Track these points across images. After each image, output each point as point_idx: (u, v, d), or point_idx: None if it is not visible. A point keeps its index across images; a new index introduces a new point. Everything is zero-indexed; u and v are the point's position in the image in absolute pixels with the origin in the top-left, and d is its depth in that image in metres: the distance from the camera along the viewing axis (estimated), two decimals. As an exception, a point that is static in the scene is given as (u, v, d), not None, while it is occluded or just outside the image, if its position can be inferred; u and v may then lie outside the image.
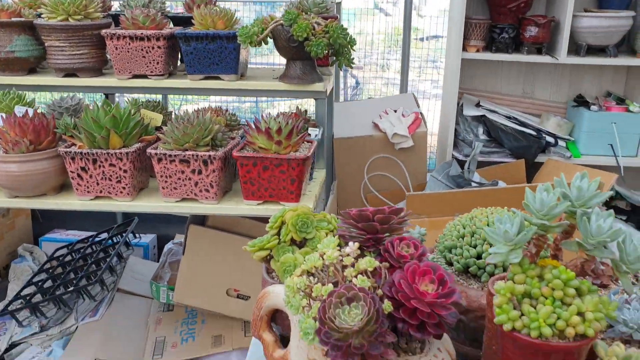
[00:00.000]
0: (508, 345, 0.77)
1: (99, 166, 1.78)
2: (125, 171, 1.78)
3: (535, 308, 0.75)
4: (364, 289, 0.77)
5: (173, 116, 1.83)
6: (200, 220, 2.27)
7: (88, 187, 1.82)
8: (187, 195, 1.81)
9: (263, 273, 1.11)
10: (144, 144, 1.85)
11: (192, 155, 1.73)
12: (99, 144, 1.77)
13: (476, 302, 1.01)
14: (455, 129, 2.79)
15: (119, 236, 2.83)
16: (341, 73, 4.73)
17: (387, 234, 0.92)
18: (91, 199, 1.85)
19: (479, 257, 1.05)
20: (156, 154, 1.75)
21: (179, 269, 2.38)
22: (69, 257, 2.79)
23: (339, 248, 0.88)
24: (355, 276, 0.81)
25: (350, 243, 0.87)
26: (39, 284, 2.55)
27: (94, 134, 1.75)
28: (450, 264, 1.10)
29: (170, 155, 1.74)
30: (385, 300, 0.79)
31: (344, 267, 0.85)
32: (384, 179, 2.56)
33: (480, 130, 2.74)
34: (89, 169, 1.79)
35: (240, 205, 1.81)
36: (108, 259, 2.58)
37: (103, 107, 1.79)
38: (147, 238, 3.09)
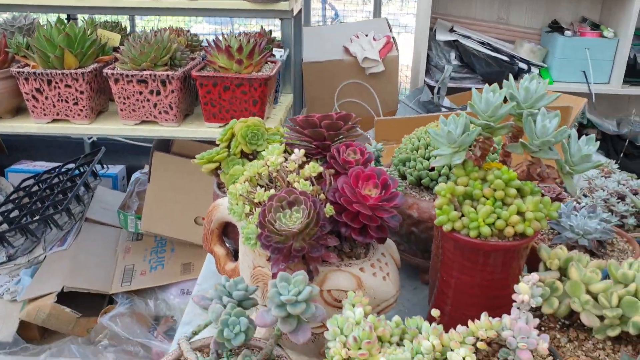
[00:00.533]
0: (449, 247, 0.76)
1: (54, 87, 1.72)
2: (81, 92, 1.72)
3: (476, 209, 0.74)
4: (305, 193, 0.76)
5: (131, 35, 1.76)
6: (165, 146, 2.23)
7: (44, 110, 1.76)
8: (147, 117, 1.76)
9: (214, 187, 1.09)
10: (101, 64, 1.79)
11: (150, 75, 1.67)
12: (53, 64, 1.70)
13: (427, 213, 1.00)
14: (428, 55, 2.74)
15: (86, 166, 2.79)
16: (319, 4, 4.59)
17: (337, 141, 0.90)
18: (48, 122, 1.79)
19: (432, 169, 1.04)
20: (113, 74, 1.69)
21: (145, 197, 2.35)
22: (35, 188, 2.75)
23: (284, 156, 0.85)
24: (299, 182, 0.79)
25: (296, 150, 0.85)
26: (5, 214, 2.51)
27: (47, 54, 1.68)
28: (404, 177, 1.09)
29: (127, 76, 1.68)
30: (327, 204, 0.78)
31: (290, 173, 0.83)
32: (354, 106, 2.52)
33: (453, 55, 2.69)
34: (43, 90, 1.73)
35: (202, 128, 1.77)
36: (74, 188, 2.55)
37: (57, 25, 1.71)
38: (116, 169, 3.05)
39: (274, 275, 0.76)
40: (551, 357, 0.72)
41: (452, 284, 0.78)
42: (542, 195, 0.78)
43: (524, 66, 2.72)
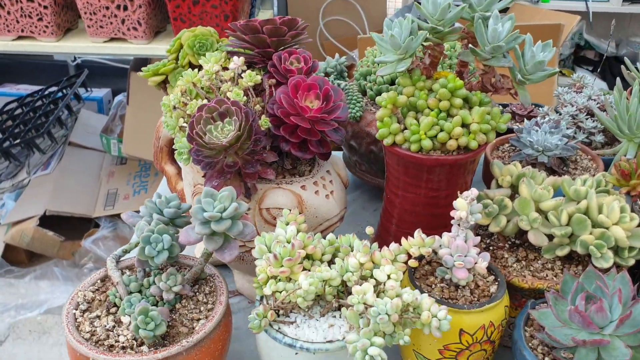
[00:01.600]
0: (392, 162, 0.72)
1: (17, 1, 1.64)
2: (45, 7, 1.64)
3: (419, 121, 0.69)
4: (237, 103, 0.70)
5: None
6: (143, 67, 2.16)
7: (7, 26, 1.69)
8: (115, 34, 1.69)
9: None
10: (65, -22, 1.70)
11: (115, -12, 1.59)
12: (13, -23, 1.61)
13: (387, 130, 0.95)
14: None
15: (69, 89, 2.72)
16: None
17: (282, 49, 0.84)
18: (13, 40, 1.72)
19: (392, 83, 0.98)
20: (76, -13, 1.61)
21: (125, 120, 2.30)
22: (19, 111, 2.70)
23: (222, 64, 0.80)
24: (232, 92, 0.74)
25: (235, 58, 0.79)
26: (-13, 137, 2.47)
27: (6, -34, 1.59)
28: (364, 92, 1.03)
29: (91, -11, 1.60)
30: (263, 117, 0.73)
31: (225, 82, 0.77)
32: (340, 24, 2.42)
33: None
34: (5, 4, 1.64)
35: (173, 45, 1.69)
36: (56, 111, 2.50)
37: None
38: (102, 92, 2.98)
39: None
40: (492, 277, 0.68)
41: (396, 203, 0.74)
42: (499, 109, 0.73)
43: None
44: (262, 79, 0.77)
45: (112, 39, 1.71)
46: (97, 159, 2.55)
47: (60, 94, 2.70)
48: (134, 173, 2.46)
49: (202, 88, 0.78)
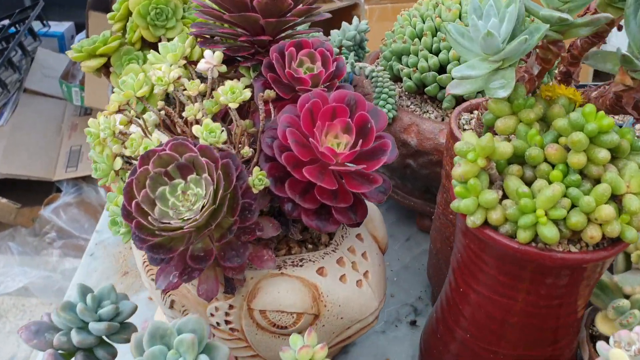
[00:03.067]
0: (473, 247, 0.43)
1: None
2: None
3: (530, 186, 0.39)
4: (209, 150, 0.40)
5: None
6: (104, 5, 1.80)
7: None
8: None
9: (108, 92, 0.72)
10: None
11: None
12: None
13: (432, 140, 0.66)
14: None
15: (23, 24, 2.34)
16: None
17: (283, 36, 0.53)
18: None
19: (442, 69, 0.67)
20: None
21: (87, 66, 1.95)
22: (-36, 50, 2.32)
23: (185, 60, 0.49)
24: (198, 122, 0.43)
25: (208, 53, 0.48)
26: None
27: None
28: (398, 79, 0.72)
29: None
30: (255, 170, 0.42)
31: (191, 102, 0.46)
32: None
33: None
34: None
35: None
36: (6, 52, 2.13)
37: None
38: (62, 27, 2.58)
39: (166, 289, 0.43)
40: None
41: (472, 300, 0.45)
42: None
43: None
44: (252, 92, 0.46)
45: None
46: (58, 109, 2.20)
47: (12, 29, 2.31)
48: (100, 126, 2.14)
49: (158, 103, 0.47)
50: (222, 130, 0.41)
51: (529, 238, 0.38)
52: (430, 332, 0.52)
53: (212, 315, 0.47)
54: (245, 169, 0.41)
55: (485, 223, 0.40)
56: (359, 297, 0.47)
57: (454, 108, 0.66)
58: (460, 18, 0.67)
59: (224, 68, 0.47)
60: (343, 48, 0.78)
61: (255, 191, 0.41)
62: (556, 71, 0.50)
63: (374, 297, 0.48)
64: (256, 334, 0.47)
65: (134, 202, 0.39)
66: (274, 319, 0.45)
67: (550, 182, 0.39)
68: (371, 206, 0.53)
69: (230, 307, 0.46)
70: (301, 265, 0.46)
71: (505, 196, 0.40)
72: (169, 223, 0.39)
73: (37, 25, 2.40)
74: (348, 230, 0.50)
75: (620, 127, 0.47)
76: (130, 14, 0.64)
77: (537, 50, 0.44)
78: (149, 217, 0.39)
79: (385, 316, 0.67)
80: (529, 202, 0.38)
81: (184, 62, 0.48)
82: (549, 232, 0.37)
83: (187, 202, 0.40)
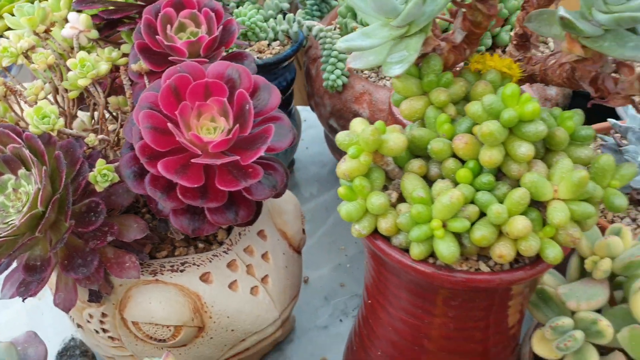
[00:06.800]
0: (373, 260, 0.35)
1: None
2: None
3: (431, 185, 0.31)
4: (34, 140, 0.33)
5: None
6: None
7: None
8: None
9: None
10: None
11: None
12: None
13: (385, 112, 0.57)
14: None
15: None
16: None
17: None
18: None
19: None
20: None
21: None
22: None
23: (47, 27, 0.41)
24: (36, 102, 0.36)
25: (72, 14, 0.40)
26: None
27: None
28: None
29: None
30: (99, 162, 0.35)
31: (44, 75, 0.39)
32: None
33: None
34: None
35: None
36: None
37: None
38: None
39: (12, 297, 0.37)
40: None
41: (384, 321, 0.37)
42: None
43: None
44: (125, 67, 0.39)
45: None
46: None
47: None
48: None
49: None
50: (60, 116, 0.34)
51: (425, 253, 0.30)
52: (348, 345, 0.44)
53: (88, 322, 0.41)
54: (87, 163, 0.33)
55: (376, 234, 0.32)
56: (253, 308, 0.40)
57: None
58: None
59: (94, 34, 0.40)
60: (307, 2, 0.69)
61: (98, 189, 0.34)
62: (512, 33, 0.41)
63: (273, 306, 0.41)
64: (136, 344, 0.40)
65: (-53, 203, 0.32)
66: (149, 332, 0.39)
67: (457, 184, 0.31)
68: (285, 196, 0.46)
69: (104, 314, 0.40)
70: (182, 271, 0.39)
71: (403, 199, 0.32)
72: (-12, 228, 0.32)
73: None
74: (248, 227, 0.42)
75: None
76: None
77: (465, 11, 0.35)
78: (-35, 221, 0.32)
79: (331, 309, 0.60)
80: (423, 210, 0.30)
81: (51, 28, 0.40)
82: (446, 249, 0.29)
83: (18, 201, 0.33)
